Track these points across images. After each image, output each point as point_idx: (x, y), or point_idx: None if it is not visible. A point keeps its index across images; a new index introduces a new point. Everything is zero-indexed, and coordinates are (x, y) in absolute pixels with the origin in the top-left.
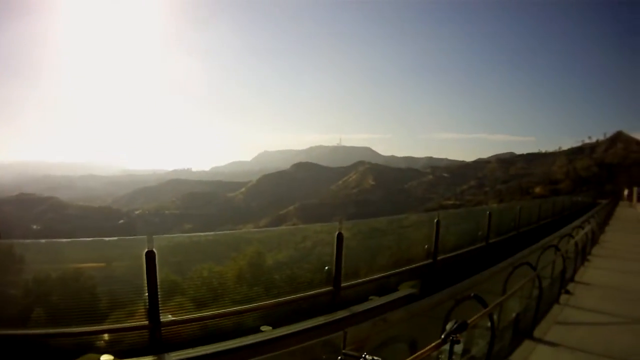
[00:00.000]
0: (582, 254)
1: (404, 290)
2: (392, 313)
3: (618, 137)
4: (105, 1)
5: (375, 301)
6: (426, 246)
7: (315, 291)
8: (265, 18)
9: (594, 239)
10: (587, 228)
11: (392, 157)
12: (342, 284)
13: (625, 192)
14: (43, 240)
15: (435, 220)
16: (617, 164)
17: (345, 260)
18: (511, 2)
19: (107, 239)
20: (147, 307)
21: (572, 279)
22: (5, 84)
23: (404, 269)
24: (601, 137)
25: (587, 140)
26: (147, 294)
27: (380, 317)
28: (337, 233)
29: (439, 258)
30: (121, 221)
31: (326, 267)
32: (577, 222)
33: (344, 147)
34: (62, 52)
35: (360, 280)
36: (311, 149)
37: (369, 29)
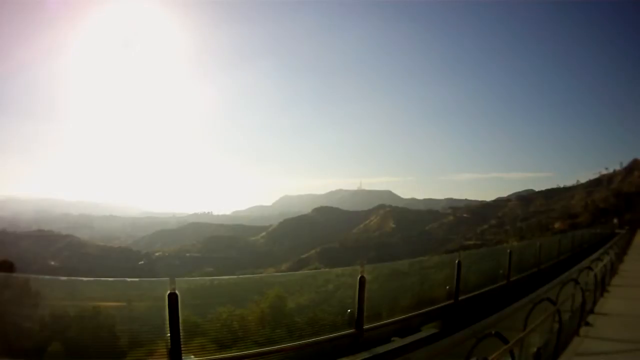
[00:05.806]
0: (602, 285)
1: (426, 331)
2: (414, 353)
3: (634, 165)
4: (130, 45)
5: (398, 342)
6: (447, 287)
7: (338, 333)
8: (287, 64)
9: (612, 270)
10: (606, 259)
11: (413, 199)
12: (365, 326)
13: (615, 220)
14: (63, 278)
15: (457, 261)
16: (635, 192)
17: (367, 303)
18: (520, 40)
19: (128, 279)
20: (169, 347)
21: (591, 311)
22: (28, 121)
23: (425, 310)
24: (618, 167)
25: (604, 172)
26: (168, 334)
27: (403, 357)
28: (359, 277)
29: (460, 298)
30: (141, 262)
31: (348, 310)
32: (595, 255)
33: (365, 190)
34: (86, 91)
35: (382, 322)
36: (332, 193)
37: (387, 76)
